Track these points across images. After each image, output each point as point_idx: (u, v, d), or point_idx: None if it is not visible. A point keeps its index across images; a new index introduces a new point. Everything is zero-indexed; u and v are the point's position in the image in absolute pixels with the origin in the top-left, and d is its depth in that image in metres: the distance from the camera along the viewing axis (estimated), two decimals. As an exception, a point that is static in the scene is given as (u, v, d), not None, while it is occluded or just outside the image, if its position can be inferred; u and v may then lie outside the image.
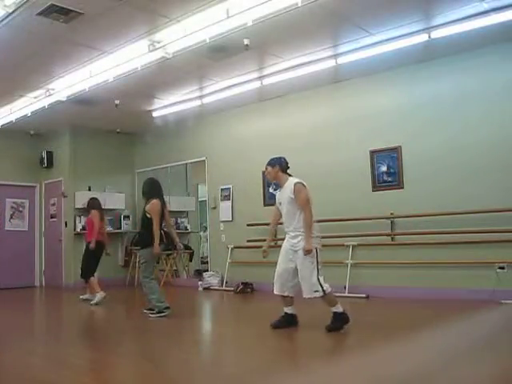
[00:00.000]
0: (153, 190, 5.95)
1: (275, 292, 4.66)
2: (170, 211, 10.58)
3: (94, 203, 7.44)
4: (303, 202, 4.44)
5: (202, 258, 11.09)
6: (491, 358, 3.31)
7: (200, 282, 8.62)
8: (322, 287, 4.33)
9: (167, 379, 3.26)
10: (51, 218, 10.07)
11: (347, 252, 7.06)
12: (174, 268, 9.73)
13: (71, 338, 4.88)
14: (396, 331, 4.45)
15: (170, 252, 9.58)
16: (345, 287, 6.89)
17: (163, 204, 5.85)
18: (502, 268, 5.80)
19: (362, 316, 5.72)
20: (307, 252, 4.32)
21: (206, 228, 9.86)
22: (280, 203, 4.66)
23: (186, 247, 10.25)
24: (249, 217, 8.33)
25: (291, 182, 4.58)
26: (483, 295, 5.75)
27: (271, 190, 8.23)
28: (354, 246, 7.05)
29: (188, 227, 10.91)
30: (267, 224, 7.98)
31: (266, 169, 4.76)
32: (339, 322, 4.38)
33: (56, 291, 9.30)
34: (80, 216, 9.63)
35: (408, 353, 3.60)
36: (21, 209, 10.07)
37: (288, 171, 4.75)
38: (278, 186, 4.73)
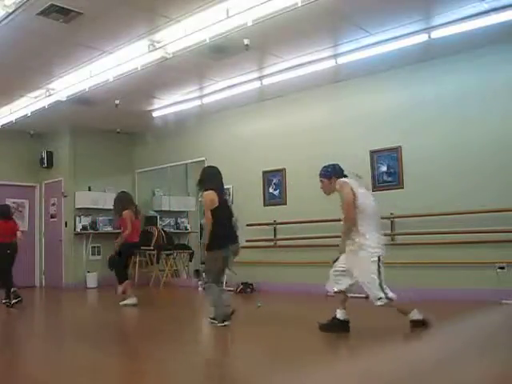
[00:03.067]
0: (207, 178, 5.22)
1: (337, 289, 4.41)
2: (170, 211, 10.68)
3: (128, 200, 7.09)
4: (346, 204, 4.24)
5: (201, 257, 11.08)
6: (491, 358, 3.31)
7: (200, 282, 8.61)
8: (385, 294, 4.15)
9: (167, 379, 3.26)
10: (51, 218, 10.07)
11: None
12: (174, 268, 9.73)
13: (72, 338, 4.87)
14: (396, 331, 4.44)
15: (170, 252, 9.59)
16: (345, 287, 6.88)
17: (220, 194, 5.12)
18: (502, 268, 5.80)
19: (361, 316, 5.72)
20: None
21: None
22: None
23: (186, 247, 10.25)
24: (249, 217, 8.33)
25: (338, 182, 4.35)
26: (483, 295, 5.75)
27: (271, 190, 8.25)
28: (354, 246, 7.03)
29: (188, 227, 10.91)
30: (267, 224, 8.04)
31: (321, 181, 4.49)
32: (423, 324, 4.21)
33: (56, 291, 9.29)
34: (80, 216, 9.64)
35: (408, 353, 3.60)
36: (21, 209, 10.07)
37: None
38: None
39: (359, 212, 4.24)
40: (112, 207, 7.19)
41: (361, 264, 4.22)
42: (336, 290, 4.37)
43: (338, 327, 4.32)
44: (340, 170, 4.50)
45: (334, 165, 4.53)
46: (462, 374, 2.96)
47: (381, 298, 4.13)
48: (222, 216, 5.01)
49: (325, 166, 4.54)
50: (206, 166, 5.71)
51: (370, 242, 4.24)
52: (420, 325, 4.18)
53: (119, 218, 7.02)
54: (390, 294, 4.16)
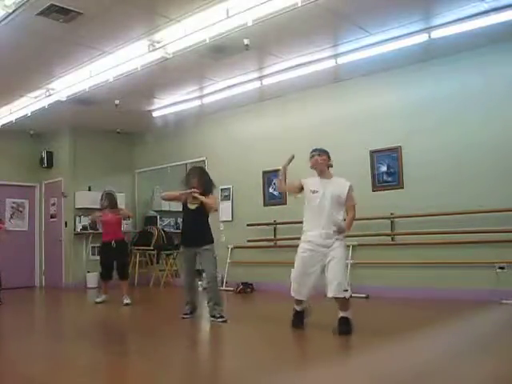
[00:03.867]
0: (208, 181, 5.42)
1: (298, 296, 4.47)
2: (170, 211, 10.68)
3: (114, 199, 7.26)
4: (354, 204, 4.48)
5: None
6: (491, 358, 3.31)
7: (200, 282, 8.61)
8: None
9: (167, 379, 3.26)
10: (51, 217, 10.07)
11: (347, 252, 7.04)
12: (174, 268, 9.73)
13: (72, 338, 4.87)
14: (396, 331, 4.44)
15: (170, 252, 9.59)
16: (345, 287, 6.88)
17: None
18: (502, 268, 5.80)
19: (362, 316, 5.72)
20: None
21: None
22: (314, 192, 4.48)
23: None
24: (249, 217, 8.33)
25: (342, 180, 4.53)
26: (483, 295, 5.75)
27: (271, 190, 8.25)
28: (354, 246, 7.04)
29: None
30: (267, 224, 8.04)
31: (320, 155, 4.58)
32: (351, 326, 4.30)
33: (56, 291, 9.30)
34: (80, 216, 9.64)
35: (408, 353, 3.60)
36: (21, 209, 10.07)
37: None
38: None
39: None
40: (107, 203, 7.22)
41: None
42: None
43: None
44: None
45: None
46: (466, 375, 2.96)
47: None
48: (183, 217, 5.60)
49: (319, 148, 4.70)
50: (196, 167, 5.88)
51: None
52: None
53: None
54: None
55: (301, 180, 4.68)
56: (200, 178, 5.33)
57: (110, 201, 7.20)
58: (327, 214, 4.38)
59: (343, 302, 4.28)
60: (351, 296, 4.32)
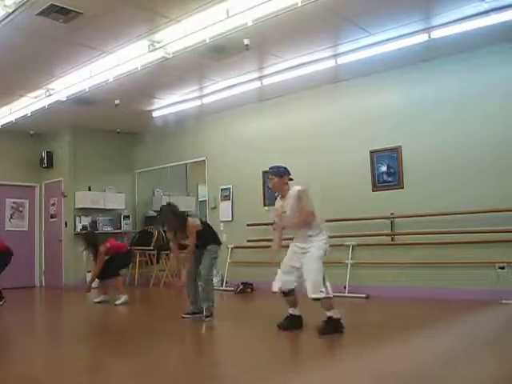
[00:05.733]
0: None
1: (277, 289, 4.58)
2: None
3: (93, 238, 7.12)
4: (307, 212, 4.33)
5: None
6: (491, 358, 3.32)
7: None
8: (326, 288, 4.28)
9: (167, 379, 3.26)
10: (51, 217, 10.07)
11: (347, 252, 7.06)
12: (174, 268, 9.72)
13: (72, 338, 4.87)
14: (396, 331, 4.44)
15: (170, 252, 9.58)
16: (345, 287, 6.89)
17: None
18: (502, 268, 5.80)
19: (362, 316, 5.72)
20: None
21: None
22: (284, 212, 4.51)
23: (186, 247, 10.25)
24: (249, 217, 8.33)
25: (292, 192, 4.45)
26: (483, 295, 5.75)
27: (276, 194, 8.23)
28: (353, 246, 7.05)
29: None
30: (267, 224, 8.01)
31: (271, 178, 4.55)
32: (334, 326, 4.31)
33: (56, 291, 9.30)
34: (80, 216, 9.64)
35: (408, 353, 3.60)
36: (21, 209, 10.07)
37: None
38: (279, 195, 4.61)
39: (317, 221, 4.41)
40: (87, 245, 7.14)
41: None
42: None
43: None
44: (289, 172, 4.61)
45: (284, 166, 4.62)
46: (466, 375, 2.96)
47: None
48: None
49: (276, 166, 4.62)
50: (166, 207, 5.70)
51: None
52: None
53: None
54: None
55: (275, 208, 4.67)
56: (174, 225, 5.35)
57: (90, 246, 7.09)
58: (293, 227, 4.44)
59: (322, 302, 4.30)
60: (330, 296, 4.27)
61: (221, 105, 8.30)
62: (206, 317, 5.24)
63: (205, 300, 5.29)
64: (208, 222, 9.27)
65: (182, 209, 11.37)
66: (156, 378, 3.23)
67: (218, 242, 5.49)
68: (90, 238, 7.12)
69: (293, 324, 4.54)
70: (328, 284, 4.29)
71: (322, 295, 4.23)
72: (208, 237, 5.41)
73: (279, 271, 4.60)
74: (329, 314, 4.31)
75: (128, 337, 4.95)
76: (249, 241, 8.19)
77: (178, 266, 5.58)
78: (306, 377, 3.10)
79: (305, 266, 4.36)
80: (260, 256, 8.02)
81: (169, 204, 5.61)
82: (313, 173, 7.45)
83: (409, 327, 4.63)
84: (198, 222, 5.45)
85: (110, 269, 6.98)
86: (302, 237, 4.43)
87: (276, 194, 4.79)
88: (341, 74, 7.07)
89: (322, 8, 4.99)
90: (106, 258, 6.99)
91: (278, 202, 4.61)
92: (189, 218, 5.36)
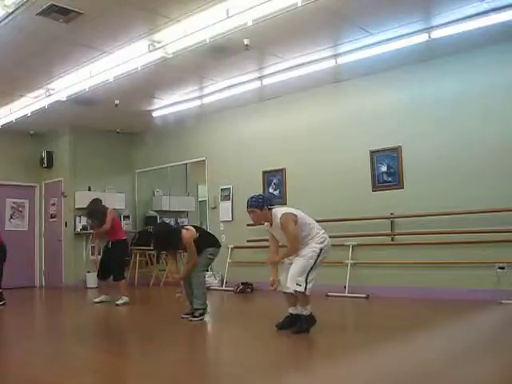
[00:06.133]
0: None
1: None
2: (170, 211, 10.69)
3: (99, 213, 7.06)
4: (291, 237, 4.31)
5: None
6: (491, 358, 3.32)
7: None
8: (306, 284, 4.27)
9: (167, 379, 3.26)
10: (51, 217, 10.07)
11: (347, 252, 7.06)
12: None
13: (72, 338, 4.87)
14: (396, 331, 4.45)
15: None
16: (345, 287, 6.89)
17: None
18: (502, 268, 5.80)
19: (362, 316, 5.72)
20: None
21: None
22: (274, 235, 4.55)
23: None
24: (249, 217, 8.31)
25: (276, 216, 4.41)
26: (483, 295, 5.75)
27: (271, 190, 8.25)
28: (353, 246, 7.05)
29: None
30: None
31: (253, 212, 4.47)
32: (306, 323, 4.34)
33: (56, 291, 9.29)
34: (80, 216, 9.64)
35: (408, 353, 3.60)
36: (21, 209, 10.07)
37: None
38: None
39: (306, 229, 4.40)
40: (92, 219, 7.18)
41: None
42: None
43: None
44: (269, 199, 4.62)
45: (263, 195, 4.63)
46: (466, 375, 2.96)
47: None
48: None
49: (254, 197, 4.55)
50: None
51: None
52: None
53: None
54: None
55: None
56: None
57: (95, 218, 7.11)
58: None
59: (299, 296, 4.31)
60: (307, 293, 4.28)
61: (221, 105, 8.30)
62: (194, 317, 5.21)
63: (195, 298, 5.28)
64: (208, 222, 9.35)
65: (181, 209, 11.42)
66: (156, 377, 3.23)
67: (217, 244, 5.48)
68: (96, 213, 7.05)
69: (291, 323, 4.53)
70: (310, 284, 4.28)
71: (298, 288, 4.23)
72: (207, 241, 5.41)
73: (279, 271, 4.58)
74: (304, 311, 4.35)
75: (128, 337, 4.95)
76: (249, 241, 8.18)
77: (176, 269, 5.53)
78: (306, 377, 3.10)
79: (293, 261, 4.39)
80: (260, 256, 8.01)
81: (161, 224, 5.59)
82: (313, 172, 7.46)
83: (409, 327, 4.64)
84: (194, 231, 5.34)
85: (112, 264, 6.94)
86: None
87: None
88: (341, 74, 7.08)
89: (322, 8, 4.98)
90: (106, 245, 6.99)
91: (269, 228, 4.57)
92: (182, 231, 5.30)
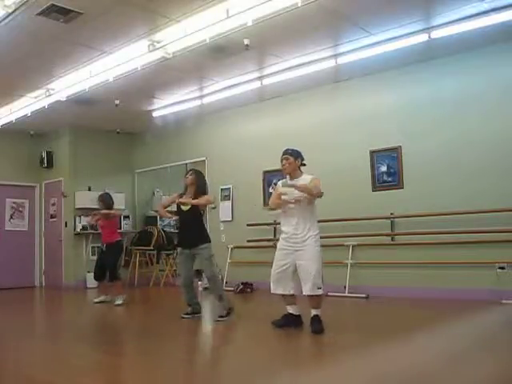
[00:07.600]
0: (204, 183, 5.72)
1: (277, 292, 4.60)
2: (171, 211, 10.66)
3: (110, 198, 7.26)
4: (318, 190, 4.35)
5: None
6: (491, 358, 3.32)
7: (200, 282, 8.62)
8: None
9: (168, 379, 3.26)
10: (51, 217, 10.07)
11: (347, 252, 7.06)
12: (174, 268, 9.72)
13: (72, 338, 4.87)
14: (396, 331, 4.44)
15: (170, 252, 9.59)
16: (345, 287, 6.89)
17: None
18: (502, 268, 5.79)
19: (361, 316, 5.72)
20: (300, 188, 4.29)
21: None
22: (284, 194, 4.47)
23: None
24: (249, 217, 8.33)
25: (307, 177, 4.48)
26: (483, 295, 5.75)
27: (271, 190, 8.24)
28: (353, 246, 7.05)
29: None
30: (267, 224, 8.03)
31: (287, 158, 4.50)
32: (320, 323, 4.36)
33: (56, 291, 9.30)
34: (80, 216, 9.64)
35: (408, 353, 3.60)
36: (21, 209, 10.07)
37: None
38: (286, 179, 4.56)
39: (315, 213, 4.49)
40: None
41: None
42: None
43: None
44: (303, 158, 4.63)
45: (300, 151, 4.64)
46: (466, 375, 2.96)
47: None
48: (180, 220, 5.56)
49: (291, 147, 4.63)
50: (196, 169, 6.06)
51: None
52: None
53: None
54: None
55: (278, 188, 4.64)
56: (196, 178, 5.52)
57: (104, 202, 7.20)
58: (297, 213, 4.43)
59: (317, 300, 4.35)
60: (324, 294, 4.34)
61: (221, 105, 8.30)
62: (220, 316, 5.19)
63: (219, 299, 5.27)
64: (208, 221, 9.34)
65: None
66: (156, 377, 3.23)
67: (208, 239, 5.43)
68: (107, 198, 7.25)
69: (288, 322, 4.54)
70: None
71: (319, 292, 4.31)
72: (201, 228, 5.45)
73: (273, 273, 4.64)
74: (316, 312, 4.37)
75: (128, 337, 4.95)
76: (249, 241, 8.19)
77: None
78: (306, 376, 3.10)
79: (304, 261, 4.35)
80: (260, 256, 8.02)
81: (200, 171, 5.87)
82: (313, 172, 7.44)
83: (409, 327, 4.63)
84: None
85: (108, 266, 6.97)
86: (301, 223, 4.39)
87: (278, 182, 4.69)
88: (341, 74, 7.08)
89: (322, 8, 4.99)
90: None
91: (284, 186, 4.51)
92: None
